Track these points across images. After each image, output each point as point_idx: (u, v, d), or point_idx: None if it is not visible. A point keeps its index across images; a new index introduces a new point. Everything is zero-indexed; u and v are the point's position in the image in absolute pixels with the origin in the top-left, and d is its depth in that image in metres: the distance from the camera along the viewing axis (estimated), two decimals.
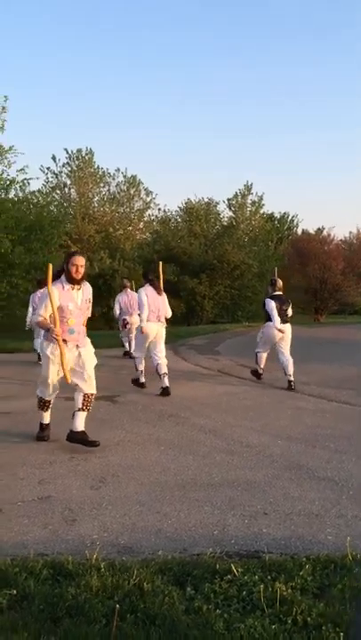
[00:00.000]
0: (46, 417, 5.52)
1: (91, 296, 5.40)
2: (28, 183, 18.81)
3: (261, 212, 37.46)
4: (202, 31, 63.46)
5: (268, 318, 8.69)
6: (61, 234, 19.16)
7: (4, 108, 13.42)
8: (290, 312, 8.93)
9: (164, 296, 8.21)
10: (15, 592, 2.74)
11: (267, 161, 63.56)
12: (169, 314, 8.22)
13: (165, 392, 7.75)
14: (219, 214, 35.76)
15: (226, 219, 36.09)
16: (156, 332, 7.99)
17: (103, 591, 2.76)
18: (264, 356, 9.14)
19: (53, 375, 5.25)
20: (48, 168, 29.76)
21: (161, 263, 9.68)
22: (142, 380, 8.38)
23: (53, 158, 29.90)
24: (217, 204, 35.47)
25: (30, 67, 60.86)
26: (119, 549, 3.29)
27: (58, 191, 29.81)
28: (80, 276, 5.17)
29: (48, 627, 2.50)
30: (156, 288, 8.08)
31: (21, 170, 16.15)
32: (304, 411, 7.01)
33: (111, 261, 25.39)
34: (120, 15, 61.58)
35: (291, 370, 8.58)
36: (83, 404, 5.26)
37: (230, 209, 36.69)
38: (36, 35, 60.70)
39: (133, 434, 5.70)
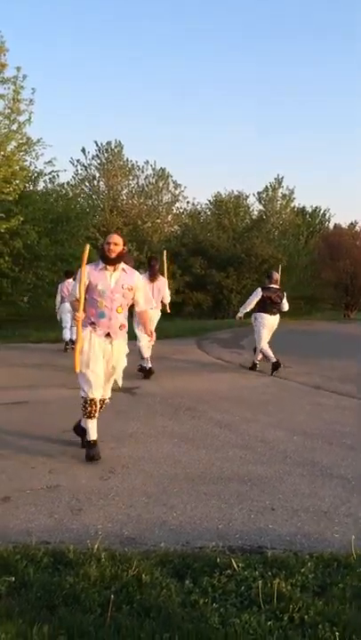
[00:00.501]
0: (92, 430, 4.73)
1: (134, 284, 4.83)
2: (58, 175, 19.01)
3: (292, 205, 37.01)
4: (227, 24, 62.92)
5: (257, 310, 9.31)
6: (88, 226, 19.22)
7: (31, 100, 13.48)
8: (285, 306, 9.52)
9: (162, 281, 8.58)
10: (14, 579, 2.77)
11: (300, 154, 62.78)
12: (166, 299, 8.74)
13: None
14: (248, 207, 35.49)
15: (256, 212, 35.80)
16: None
17: (101, 581, 2.76)
18: (266, 347, 9.43)
19: (93, 361, 4.68)
20: (78, 160, 29.95)
21: (165, 252, 10.01)
22: (148, 365, 8.58)
23: (83, 151, 30.05)
24: (247, 197, 35.22)
25: (62, 58, 61.17)
26: (122, 540, 3.30)
27: (87, 183, 29.98)
28: (113, 255, 4.69)
29: (44, 614, 2.51)
30: (151, 275, 8.38)
31: (49, 162, 16.26)
32: (323, 407, 6.91)
33: (138, 254, 25.39)
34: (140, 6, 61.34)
35: (260, 356, 9.46)
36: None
37: (260, 202, 36.37)
38: (68, 26, 60.91)
39: (148, 426, 5.70)
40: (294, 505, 3.86)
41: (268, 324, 9.33)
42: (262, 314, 9.33)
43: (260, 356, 9.60)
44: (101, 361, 4.74)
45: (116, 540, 3.28)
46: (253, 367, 9.64)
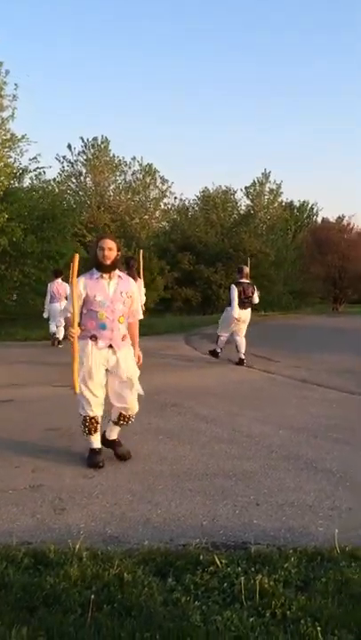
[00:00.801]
0: (96, 440, 4.55)
1: (132, 292, 4.55)
2: (44, 172, 18.87)
3: (280, 200, 37.09)
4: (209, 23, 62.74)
5: (230, 303, 9.58)
6: (75, 222, 19.11)
7: (14, 96, 13.39)
8: (256, 299, 9.88)
9: (139, 283, 8.54)
10: None
11: (287, 148, 62.82)
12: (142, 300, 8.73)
13: None
14: (236, 203, 35.51)
15: (244, 207, 35.82)
16: None
17: (82, 581, 2.73)
18: (224, 340, 9.97)
19: (89, 378, 4.41)
20: (64, 157, 29.81)
21: (142, 251, 10.14)
22: None
23: (69, 147, 29.95)
24: (234, 192, 35.23)
25: (46, 55, 60.72)
26: (105, 539, 3.27)
27: (73, 180, 29.85)
28: (109, 262, 4.38)
29: (23, 616, 2.48)
30: (132, 276, 8.32)
31: (34, 159, 16.17)
32: (311, 400, 6.91)
33: (126, 250, 25.31)
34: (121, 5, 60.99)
35: (243, 349, 9.66)
36: (118, 419, 4.61)
37: (248, 197, 36.39)
38: (49, 22, 60.45)
39: (133, 423, 5.65)
40: (279, 499, 3.85)
41: (237, 317, 9.54)
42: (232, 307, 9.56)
43: (220, 346, 10.03)
44: (103, 376, 4.46)
45: (99, 539, 3.25)
46: (217, 355, 10.06)
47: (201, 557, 2.95)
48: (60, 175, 29.52)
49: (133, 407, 4.58)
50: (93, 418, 4.46)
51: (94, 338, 4.40)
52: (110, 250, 4.40)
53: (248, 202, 36.29)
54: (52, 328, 11.63)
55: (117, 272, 4.52)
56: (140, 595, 2.63)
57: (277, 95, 64.75)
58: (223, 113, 62.88)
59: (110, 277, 4.45)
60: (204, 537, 3.28)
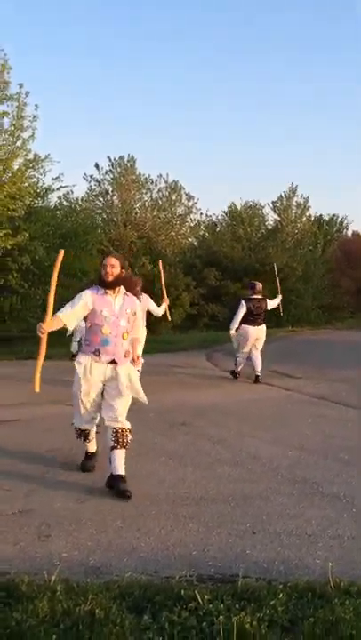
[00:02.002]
0: (90, 445, 4.76)
1: (137, 310, 4.63)
2: (72, 191, 19.09)
3: (308, 214, 36.65)
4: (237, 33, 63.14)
5: (242, 321, 9.28)
6: (96, 241, 19.15)
7: (35, 116, 13.51)
8: (273, 303, 9.76)
9: (144, 298, 8.03)
10: None
11: (315, 162, 62.38)
12: (159, 310, 8.66)
13: None
14: (263, 217, 35.26)
15: (271, 222, 35.55)
16: None
17: (51, 617, 2.56)
18: (242, 361, 9.64)
19: (85, 394, 4.44)
20: (91, 176, 30.06)
21: (160, 261, 9.86)
22: None
23: (96, 166, 30.13)
24: (262, 207, 35.00)
25: (72, 74, 61.83)
26: (87, 569, 3.09)
27: (100, 198, 30.06)
28: (111, 278, 4.40)
29: None
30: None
31: (57, 178, 16.26)
32: (326, 419, 6.65)
33: (152, 267, 25.32)
34: (133, 23, 61.86)
35: (259, 367, 9.32)
36: (114, 439, 4.39)
37: (275, 211, 36.08)
38: (73, 39, 61.65)
39: (138, 443, 5.44)
40: (278, 527, 3.62)
41: (252, 336, 9.27)
42: (246, 326, 9.27)
43: (238, 367, 9.70)
44: (99, 393, 4.48)
45: (80, 570, 3.08)
46: (235, 376, 9.71)
47: (182, 592, 2.75)
48: (88, 194, 29.82)
49: (123, 418, 4.48)
50: (84, 431, 4.66)
51: (97, 352, 4.40)
52: (113, 267, 4.42)
53: (275, 216, 35.99)
54: (74, 347, 11.49)
55: (123, 290, 4.56)
56: (111, 634, 2.45)
57: (302, 109, 64.49)
58: (248, 128, 62.84)
59: (115, 294, 4.49)
60: (191, 568, 3.08)
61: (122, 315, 4.47)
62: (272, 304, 9.73)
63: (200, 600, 2.68)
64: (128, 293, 4.64)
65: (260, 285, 9.62)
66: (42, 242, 15.07)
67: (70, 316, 4.40)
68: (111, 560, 3.20)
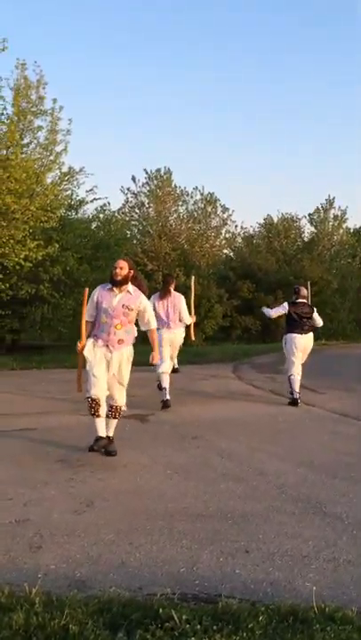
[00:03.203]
0: (99, 427, 5.37)
1: (136, 306, 5.42)
2: (108, 204, 19.40)
3: (345, 226, 36.17)
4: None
5: (286, 330, 8.61)
6: (128, 252, 19.34)
7: (68, 130, 13.79)
8: (318, 320, 8.67)
9: (177, 298, 7.92)
10: None
11: (356, 173, 61.62)
12: (186, 319, 8.06)
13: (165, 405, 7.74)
14: (300, 230, 34.99)
15: (307, 234, 35.24)
16: (169, 338, 7.81)
17: (25, 630, 2.55)
18: (297, 379, 8.45)
19: (93, 368, 5.34)
20: (128, 188, 30.41)
21: (193, 277, 9.58)
22: (166, 397, 7.81)
23: (133, 179, 30.50)
24: (299, 219, 34.76)
25: (117, 85, 62.87)
26: (71, 583, 3.08)
27: (137, 210, 30.34)
28: (119, 278, 5.33)
29: None
30: (162, 291, 7.96)
31: (90, 190, 16.52)
32: (343, 436, 6.50)
33: (186, 279, 25.37)
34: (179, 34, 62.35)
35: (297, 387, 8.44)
36: (109, 412, 5.49)
37: (312, 224, 35.74)
38: (107, 50, 62.65)
39: (146, 456, 5.48)
40: (272, 547, 3.53)
41: (300, 345, 8.40)
42: (292, 334, 8.41)
43: (297, 386, 8.43)
44: (104, 366, 5.38)
45: (65, 583, 3.07)
46: (296, 403, 8.30)
47: (160, 611, 2.71)
48: (124, 206, 30.14)
49: (120, 399, 5.50)
50: (95, 400, 5.31)
51: (96, 337, 5.43)
52: (121, 269, 5.37)
53: (312, 229, 35.65)
54: None
55: (129, 287, 5.42)
56: None
57: (343, 120, 63.89)
58: (285, 140, 62.61)
59: (120, 291, 5.38)
60: (176, 586, 3.03)
61: (118, 308, 5.34)
62: (318, 320, 8.67)
63: (177, 620, 2.63)
64: (134, 292, 5.45)
65: (305, 290, 8.86)
66: (73, 252, 15.30)
67: (89, 313, 5.48)
68: (97, 574, 3.17)
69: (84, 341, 5.39)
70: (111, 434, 5.52)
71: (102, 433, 5.39)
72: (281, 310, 8.64)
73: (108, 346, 5.35)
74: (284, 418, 7.51)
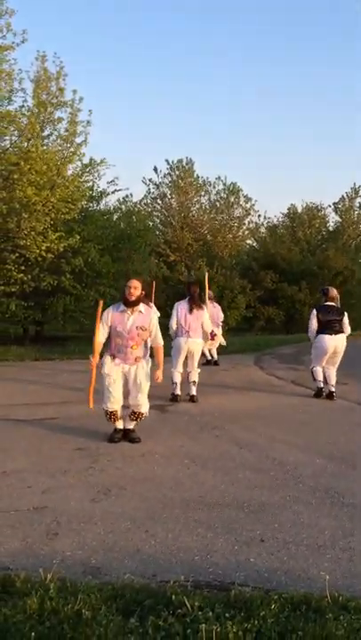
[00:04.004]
0: (118, 424, 5.68)
1: (148, 325, 5.52)
2: (131, 195, 19.40)
3: None
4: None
5: (318, 330, 8.28)
6: (150, 242, 19.32)
7: (88, 122, 13.77)
8: (347, 328, 8.31)
9: (203, 311, 7.89)
10: None
11: None
12: (207, 327, 8.03)
13: (192, 400, 7.79)
14: (324, 219, 34.58)
15: (332, 224, 34.81)
16: (187, 347, 7.76)
17: (39, 615, 2.59)
18: (319, 370, 8.39)
19: (109, 383, 5.53)
20: (150, 179, 30.37)
21: (207, 273, 9.45)
22: (177, 392, 7.87)
23: (155, 169, 30.41)
24: (323, 208, 34.36)
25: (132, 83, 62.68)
26: (86, 569, 3.11)
27: (159, 201, 30.28)
28: (133, 298, 5.41)
29: None
30: (192, 304, 7.82)
31: (112, 181, 16.53)
32: None
33: (208, 269, 25.29)
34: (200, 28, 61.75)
35: (333, 380, 8.32)
36: (131, 417, 5.67)
37: (337, 213, 35.27)
38: (126, 42, 62.42)
39: (164, 445, 5.50)
40: (288, 537, 3.52)
41: (330, 346, 8.14)
42: (322, 335, 8.21)
43: (320, 376, 8.39)
44: (121, 383, 5.59)
45: (80, 570, 3.10)
46: (320, 393, 8.32)
47: (173, 598, 2.72)
48: (146, 197, 30.10)
49: (143, 406, 5.59)
50: (112, 412, 5.56)
51: (113, 356, 5.61)
52: (135, 289, 5.44)
53: (337, 218, 35.20)
54: None
55: (140, 307, 5.52)
56: (93, 634, 2.45)
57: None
58: (309, 127, 61.75)
59: (132, 312, 5.47)
60: (190, 574, 3.04)
61: (132, 330, 5.46)
62: (347, 328, 8.32)
63: (189, 606, 2.64)
64: (145, 310, 5.56)
65: (334, 291, 8.53)
66: (95, 244, 15.33)
67: (102, 335, 5.59)
68: (112, 561, 3.20)
69: (97, 359, 5.57)
70: (132, 426, 5.70)
71: (120, 426, 5.68)
72: (313, 321, 8.32)
73: (125, 363, 5.56)
74: (305, 409, 7.46)
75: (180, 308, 7.83)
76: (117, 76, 64.34)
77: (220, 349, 13.10)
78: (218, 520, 3.76)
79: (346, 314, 8.39)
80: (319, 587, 2.91)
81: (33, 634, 2.43)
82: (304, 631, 2.47)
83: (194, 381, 7.82)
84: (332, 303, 8.43)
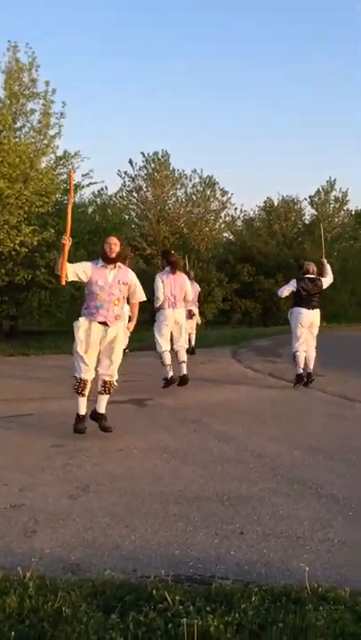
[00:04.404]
0: (81, 405, 5.52)
1: (129, 280, 5.57)
2: (106, 188, 19.24)
3: (346, 208, 35.95)
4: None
5: (293, 304, 8.50)
6: (125, 236, 19.22)
7: (62, 114, 13.62)
8: (325, 281, 8.56)
9: (182, 278, 7.88)
10: None
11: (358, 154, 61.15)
12: (189, 296, 8.08)
13: (183, 381, 7.83)
14: (300, 212, 34.81)
15: (308, 217, 35.06)
16: (174, 318, 7.73)
17: (18, 614, 2.56)
18: (302, 355, 8.37)
19: (82, 349, 5.41)
20: (125, 172, 30.19)
21: (187, 256, 9.25)
22: (170, 374, 7.90)
23: (130, 162, 30.24)
24: (299, 201, 34.58)
25: (115, 72, 62.23)
26: (65, 566, 3.08)
27: (135, 194, 30.16)
28: (113, 255, 5.46)
29: None
30: (175, 270, 7.80)
31: (87, 174, 16.38)
32: (341, 419, 6.50)
33: (185, 262, 25.30)
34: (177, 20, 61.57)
35: (312, 363, 8.39)
36: (102, 388, 5.62)
37: (312, 206, 35.53)
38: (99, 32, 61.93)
39: (143, 440, 5.48)
40: (267, 529, 3.54)
41: (306, 319, 8.28)
42: (298, 308, 8.36)
43: (300, 366, 8.39)
44: (97, 347, 5.47)
45: (59, 567, 3.07)
46: (300, 381, 8.35)
47: (154, 592, 2.71)
48: (122, 190, 29.92)
49: (114, 373, 5.59)
50: (82, 380, 5.46)
51: (93, 314, 5.42)
52: (115, 245, 5.50)
53: (313, 211, 35.45)
54: None
55: (119, 264, 5.56)
56: (74, 632, 2.43)
57: (344, 103, 63.29)
58: (285, 122, 62.11)
59: (113, 267, 5.49)
60: (171, 568, 3.03)
61: (114, 285, 5.45)
62: (327, 280, 8.62)
63: (170, 601, 2.64)
64: (123, 267, 5.61)
65: (311, 266, 8.63)
66: (70, 237, 15.17)
67: (73, 268, 5.45)
68: (92, 558, 3.18)
69: (68, 238, 5.46)
70: (103, 410, 5.61)
71: (83, 411, 5.52)
72: (290, 287, 8.46)
73: (105, 322, 5.41)
74: (283, 401, 7.52)
75: (163, 277, 7.73)
76: (91, 69, 63.79)
77: (197, 342, 13.14)
78: (197, 514, 3.76)
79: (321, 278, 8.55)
80: (299, 578, 2.92)
81: (13, 633, 2.40)
82: (285, 622, 2.48)
83: (184, 361, 7.82)
84: (312, 276, 8.53)
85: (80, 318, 5.49)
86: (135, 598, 2.69)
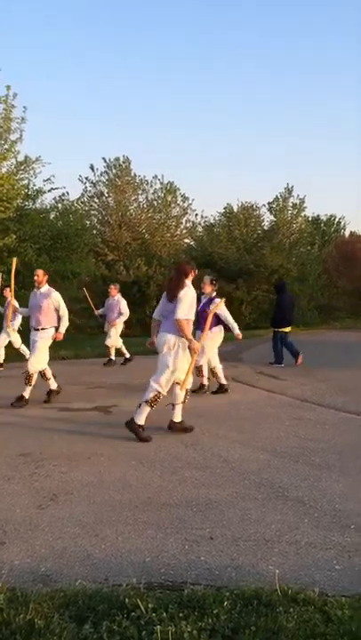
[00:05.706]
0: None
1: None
2: (67, 193, 19.07)
3: (303, 214, 36.56)
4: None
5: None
6: (87, 242, 19.08)
7: (23, 118, 13.47)
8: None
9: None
10: None
11: (314, 161, 62.32)
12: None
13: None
14: (260, 218, 35.19)
15: (267, 223, 35.48)
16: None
17: None
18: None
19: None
20: (86, 178, 29.97)
21: (14, 260, 8.86)
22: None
23: (91, 167, 30.01)
24: (258, 208, 34.94)
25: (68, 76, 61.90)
26: (36, 578, 3.06)
27: (96, 199, 29.97)
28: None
29: None
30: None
31: (48, 180, 16.21)
32: (304, 421, 6.61)
33: (147, 268, 25.32)
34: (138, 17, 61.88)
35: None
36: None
37: (271, 212, 35.98)
38: (64, 35, 61.59)
39: (109, 447, 5.47)
40: (236, 533, 3.59)
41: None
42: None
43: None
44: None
45: (30, 578, 3.05)
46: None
47: (126, 601, 2.72)
48: (83, 195, 29.71)
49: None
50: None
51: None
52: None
53: (271, 217, 35.89)
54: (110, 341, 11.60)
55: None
56: None
57: (301, 109, 64.49)
58: (244, 128, 62.86)
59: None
60: (142, 575, 3.05)
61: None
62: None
63: (143, 609, 2.65)
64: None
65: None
66: (32, 243, 15.04)
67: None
68: (63, 568, 3.16)
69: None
70: (140, 421, 5.83)
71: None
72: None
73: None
74: (246, 406, 7.59)
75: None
76: (52, 73, 63.32)
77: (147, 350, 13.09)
78: (167, 520, 3.78)
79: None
80: (269, 581, 2.97)
81: None
82: (257, 626, 2.53)
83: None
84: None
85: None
86: (108, 607, 2.70)
